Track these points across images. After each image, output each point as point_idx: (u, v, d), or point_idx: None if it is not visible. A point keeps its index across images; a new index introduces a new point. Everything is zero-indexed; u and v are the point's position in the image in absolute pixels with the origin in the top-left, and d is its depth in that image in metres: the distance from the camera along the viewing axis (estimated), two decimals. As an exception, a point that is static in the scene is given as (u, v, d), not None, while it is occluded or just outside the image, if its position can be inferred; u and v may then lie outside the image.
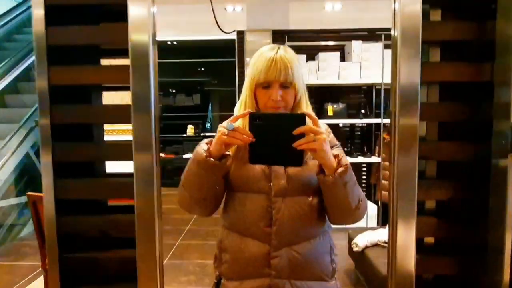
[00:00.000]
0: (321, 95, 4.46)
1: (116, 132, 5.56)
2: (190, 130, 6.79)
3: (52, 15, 0.88)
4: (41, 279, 2.78)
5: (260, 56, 1.06)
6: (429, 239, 0.96)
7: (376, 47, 4.18)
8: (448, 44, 0.97)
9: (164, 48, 6.44)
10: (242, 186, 1.06)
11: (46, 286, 2.69)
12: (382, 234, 2.89)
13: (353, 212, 1.03)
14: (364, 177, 4.66)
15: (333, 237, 1.15)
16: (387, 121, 4.25)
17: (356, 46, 4.23)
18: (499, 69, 0.89)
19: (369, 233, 2.95)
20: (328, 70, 4.14)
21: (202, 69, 7.17)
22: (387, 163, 4.19)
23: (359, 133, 4.66)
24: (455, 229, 0.91)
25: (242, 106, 1.09)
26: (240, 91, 1.12)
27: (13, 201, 4.57)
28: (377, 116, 4.33)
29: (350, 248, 2.99)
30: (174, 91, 6.98)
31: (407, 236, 0.84)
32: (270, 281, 1.04)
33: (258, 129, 0.96)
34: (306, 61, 4.12)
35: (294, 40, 4.41)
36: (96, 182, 0.95)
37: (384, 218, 4.02)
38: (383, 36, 4.15)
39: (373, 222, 4.11)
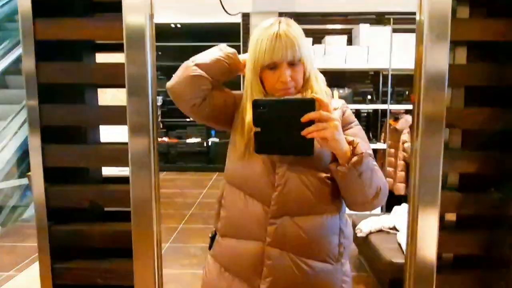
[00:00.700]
0: (327, 80, 4.36)
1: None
2: (194, 114, 6.73)
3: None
4: (42, 259, 2.77)
5: (261, 35, 0.97)
6: (451, 217, 0.89)
7: (384, 31, 4.07)
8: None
9: (167, 32, 6.34)
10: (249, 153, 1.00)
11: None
12: (386, 220, 2.88)
13: (371, 201, 0.96)
14: (369, 163, 4.61)
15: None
16: (393, 107, 4.16)
17: (363, 30, 4.12)
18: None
19: (373, 219, 2.94)
20: (335, 54, 4.04)
21: (207, 53, 7.06)
22: (392, 150, 4.12)
23: (365, 119, 4.59)
24: (480, 204, 0.84)
25: (249, 93, 1.01)
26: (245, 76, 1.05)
27: (15, 182, 4.57)
28: (384, 102, 4.25)
29: (354, 234, 2.97)
30: (178, 75, 6.89)
31: (429, 213, 0.77)
32: (264, 247, 0.98)
33: (262, 117, 0.89)
34: (312, 44, 4.03)
35: (300, 23, 4.22)
36: (87, 149, 0.89)
37: (387, 205, 3.97)
38: (391, 20, 4.04)
39: (377, 209, 4.07)
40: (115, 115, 0.85)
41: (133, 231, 0.80)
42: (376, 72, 4.42)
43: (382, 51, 4.03)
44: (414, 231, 0.77)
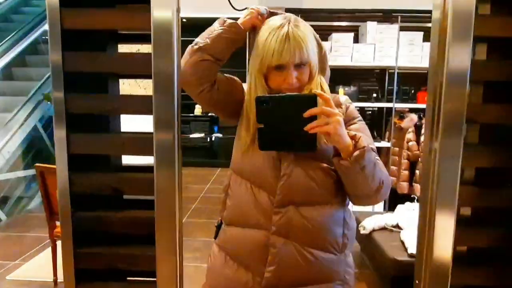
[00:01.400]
0: (333, 77, 4.35)
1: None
2: (198, 109, 6.75)
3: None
4: (49, 250, 2.80)
5: (269, 35, 0.98)
6: (466, 211, 0.91)
7: (391, 29, 4.07)
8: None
9: (173, 26, 6.32)
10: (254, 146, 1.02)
11: (54, 257, 2.71)
12: (389, 218, 2.89)
13: (373, 194, 0.99)
14: (373, 161, 4.61)
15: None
16: (399, 105, 4.17)
17: (370, 27, 4.12)
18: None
19: (376, 216, 2.96)
20: (341, 51, 4.05)
21: (212, 48, 7.05)
22: (396, 149, 4.13)
23: (370, 117, 4.59)
24: (497, 199, 0.85)
25: (252, 91, 1.03)
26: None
27: (21, 173, 4.60)
28: (389, 100, 4.25)
29: (357, 231, 2.98)
30: (182, 70, 6.89)
31: (447, 208, 0.78)
32: (269, 236, 1.00)
33: (266, 113, 0.90)
34: (319, 41, 4.02)
35: (307, 19, 4.22)
36: (111, 137, 0.91)
37: (391, 204, 3.99)
38: (399, 18, 4.03)
39: (380, 206, 4.09)
40: (138, 104, 0.87)
41: (157, 220, 0.82)
42: (382, 70, 4.41)
43: (389, 49, 4.04)
44: (431, 227, 0.78)
